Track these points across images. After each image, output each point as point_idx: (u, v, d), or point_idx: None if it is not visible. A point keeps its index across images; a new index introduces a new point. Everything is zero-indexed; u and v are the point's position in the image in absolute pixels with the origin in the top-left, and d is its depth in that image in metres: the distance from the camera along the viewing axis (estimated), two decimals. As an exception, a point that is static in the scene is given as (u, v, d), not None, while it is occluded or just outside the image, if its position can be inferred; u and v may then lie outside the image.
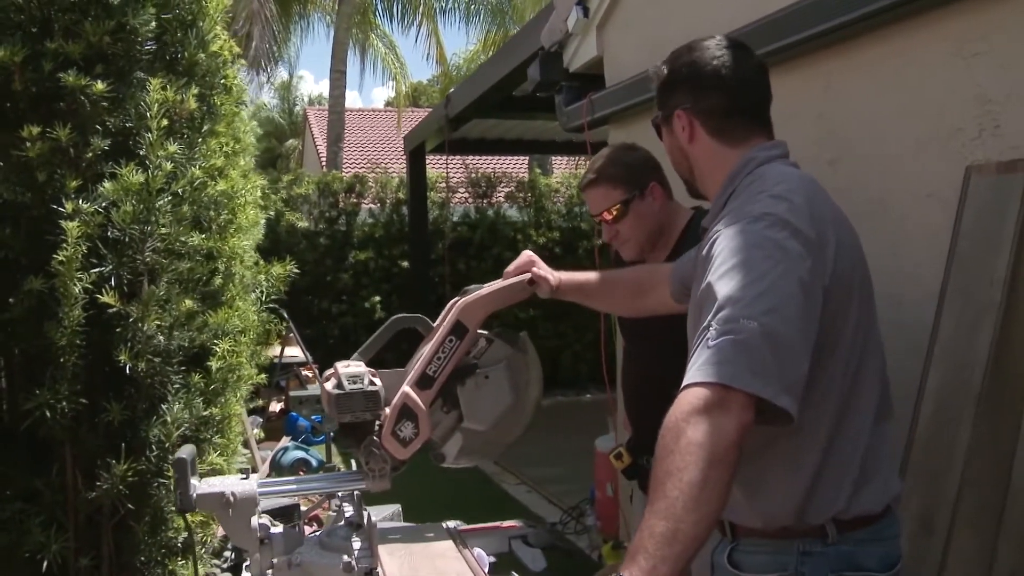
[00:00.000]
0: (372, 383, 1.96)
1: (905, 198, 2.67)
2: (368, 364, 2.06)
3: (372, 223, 11.16)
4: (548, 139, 10.20)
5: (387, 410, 1.97)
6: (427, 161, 10.54)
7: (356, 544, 1.95)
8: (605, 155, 2.60)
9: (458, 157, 11.42)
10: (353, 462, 2.14)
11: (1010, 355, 2.15)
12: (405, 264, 10.68)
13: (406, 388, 1.96)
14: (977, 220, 2.34)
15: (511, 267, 2.15)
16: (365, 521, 2.03)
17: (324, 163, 17.93)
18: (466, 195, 11.67)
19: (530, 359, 2.11)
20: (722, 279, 1.50)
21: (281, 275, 4.19)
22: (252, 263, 4.30)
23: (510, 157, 16.98)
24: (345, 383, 1.94)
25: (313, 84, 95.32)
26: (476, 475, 7.19)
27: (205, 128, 3.54)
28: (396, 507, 2.73)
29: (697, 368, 1.42)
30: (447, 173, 10.88)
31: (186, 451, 1.95)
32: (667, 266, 2.19)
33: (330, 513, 2.26)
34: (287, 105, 35.16)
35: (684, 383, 1.42)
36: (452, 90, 8.61)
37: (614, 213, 2.52)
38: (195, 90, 3.34)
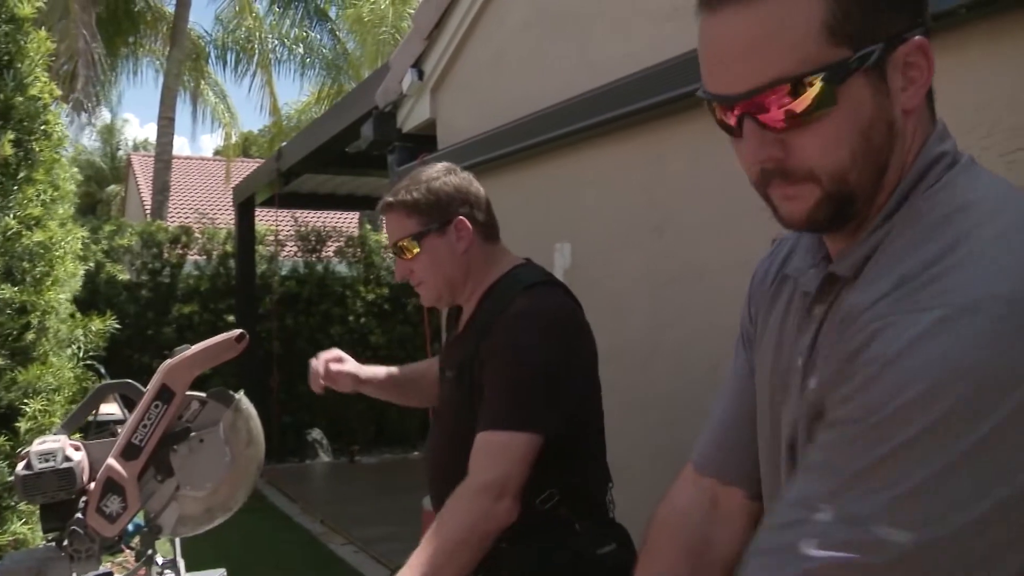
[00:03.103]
0: (67, 459, 1.82)
1: (724, 265, 2.83)
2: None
3: (198, 276, 10.83)
4: (380, 195, 10.18)
5: (93, 485, 1.85)
6: (256, 214, 10.37)
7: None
8: (411, 175, 2.16)
9: (287, 210, 11.29)
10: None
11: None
12: (231, 318, 10.40)
13: (110, 460, 1.85)
14: (785, 289, 2.50)
15: (320, 360, 2.29)
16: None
17: (148, 212, 17.33)
18: (295, 249, 11.51)
19: (248, 418, 1.99)
20: (868, 432, 0.80)
21: (101, 330, 4.02)
22: (68, 315, 4.11)
23: (340, 212, 16.90)
24: (35, 462, 1.80)
25: (138, 128, 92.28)
26: (302, 536, 7.03)
27: (21, 175, 3.39)
28: (221, 572, 2.62)
29: None
30: (276, 227, 10.72)
31: None
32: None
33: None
34: (110, 149, 33.84)
35: None
36: (284, 144, 8.54)
37: (406, 246, 2.09)
38: (11, 135, 3.21)
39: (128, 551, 2.08)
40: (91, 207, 28.18)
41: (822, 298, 1.00)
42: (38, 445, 1.85)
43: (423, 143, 5.04)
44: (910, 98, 0.92)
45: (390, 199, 2.09)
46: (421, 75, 4.86)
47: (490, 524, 1.71)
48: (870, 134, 0.90)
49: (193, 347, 1.96)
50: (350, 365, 2.32)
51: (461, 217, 2.04)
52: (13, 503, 3.23)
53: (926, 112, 0.96)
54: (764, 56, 0.88)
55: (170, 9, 17.26)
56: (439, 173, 2.09)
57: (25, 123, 3.43)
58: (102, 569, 2.16)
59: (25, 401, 3.22)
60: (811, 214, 0.95)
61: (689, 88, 2.75)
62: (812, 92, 0.87)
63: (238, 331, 2.01)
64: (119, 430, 2.85)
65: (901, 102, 0.91)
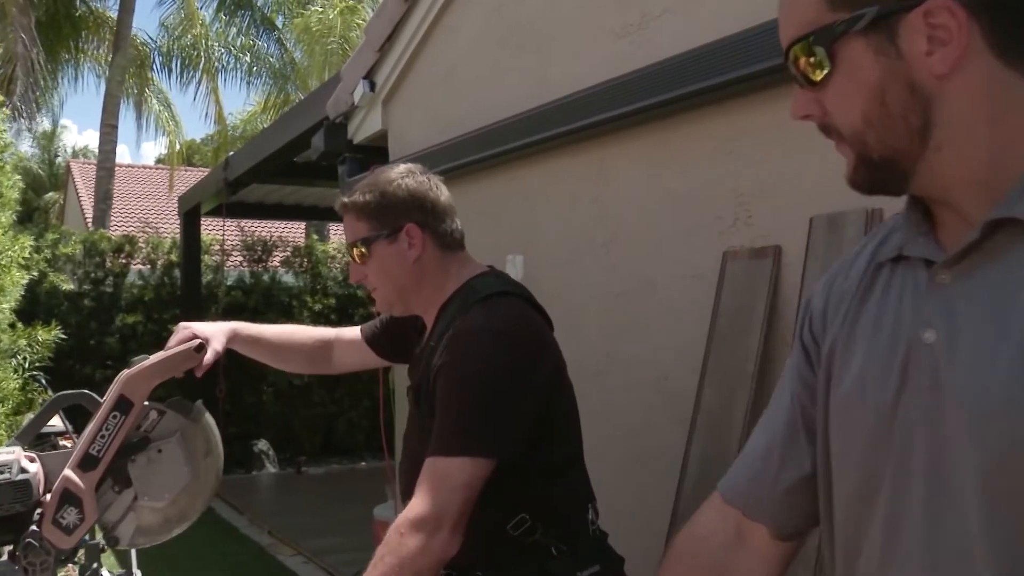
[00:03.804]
0: (23, 471, 1.81)
1: (673, 278, 2.89)
2: None
3: (142, 285, 10.67)
4: (327, 205, 10.19)
5: (48, 496, 1.83)
6: (202, 223, 10.27)
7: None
8: (373, 174, 2.06)
9: (233, 220, 11.19)
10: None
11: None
12: (176, 329, 10.25)
13: (67, 471, 1.83)
14: (733, 300, 2.58)
15: (173, 341, 2.04)
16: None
17: (89, 220, 17.02)
18: (241, 259, 11.39)
19: (206, 428, 2.01)
20: None
21: (47, 340, 3.97)
22: (7, 325, 4.06)
23: (287, 222, 16.75)
24: None
25: (77, 135, 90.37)
26: (250, 548, 6.97)
27: (-34, 184, 3.35)
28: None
29: None
30: (223, 236, 10.62)
31: None
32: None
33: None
34: (48, 156, 33.20)
35: None
36: (231, 154, 8.48)
37: (357, 250, 1.98)
38: (-42, 144, 3.17)
39: (72, 566, 2.06)
40: (28, 215, 27.60)
41: (960, 258, 0.90)
42: None
43: (374, 154, 5.05)
44: (941, 61, 0.87)
45: (345, 200, 1.99)
46: (373, 87, 4.87)
47: (425, 559, 1.62)
48: (884, 98, 0.90)
49: (152, 357, 1.96)
50: (213, 345, 2.11)
51: (412, 224, 1.92)
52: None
53: (1007, 72, 0.88)
54: (788, 21, 0.96)
55: (113, 14, 17.03)
56: (397, 176, 1.96)
57: (-29, 131, 3.39)
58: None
59: (-30, 413, 3.17)
60: (851, 175, 0.97)
61: (640, 104, 2.81)
62: (811, 54, 0.93)
63: (197, 341, 2.02)
64: (60, 441, 2.76)
65: (929, 65, 0.88)
